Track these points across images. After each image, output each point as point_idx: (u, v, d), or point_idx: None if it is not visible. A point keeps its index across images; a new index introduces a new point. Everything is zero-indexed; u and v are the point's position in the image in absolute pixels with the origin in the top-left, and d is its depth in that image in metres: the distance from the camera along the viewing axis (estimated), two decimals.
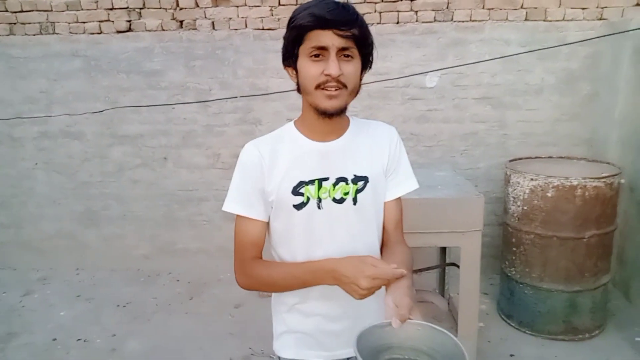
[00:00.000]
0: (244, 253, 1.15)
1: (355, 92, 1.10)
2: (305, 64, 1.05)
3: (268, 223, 1.17)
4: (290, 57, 1.08)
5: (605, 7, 3.20)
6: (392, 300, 0.96)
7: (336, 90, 1.03)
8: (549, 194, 2.55)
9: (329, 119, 1.08)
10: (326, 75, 1.02)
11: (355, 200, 1.15)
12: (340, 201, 1.14)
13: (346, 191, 1.14)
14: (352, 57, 1.04)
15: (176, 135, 3.67)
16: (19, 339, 2.91)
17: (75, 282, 3.68)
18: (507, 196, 2.80)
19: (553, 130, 3.39)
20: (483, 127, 3.43)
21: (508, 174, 2.76)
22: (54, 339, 2.90)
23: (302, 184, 1.12)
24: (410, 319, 0.94)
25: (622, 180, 2.66)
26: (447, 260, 2.90)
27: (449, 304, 2.92)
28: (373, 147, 1.20)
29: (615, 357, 2.55)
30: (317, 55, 1.02)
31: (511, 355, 2.60)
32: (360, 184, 1.15)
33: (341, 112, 1.09)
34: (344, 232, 1.14)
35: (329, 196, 1.13)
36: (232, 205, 1.15)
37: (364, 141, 1.19)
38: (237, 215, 1.15)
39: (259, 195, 1.13)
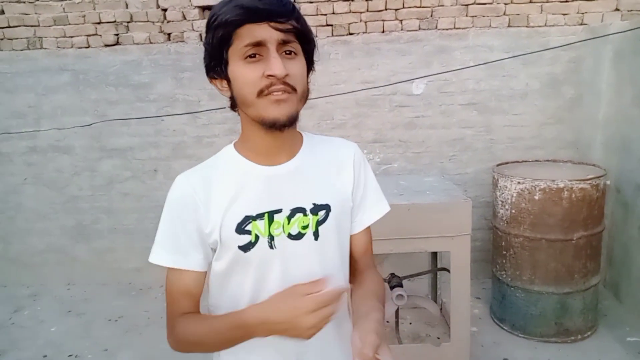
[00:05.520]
0: (173, 308, 0.94)
1: (306, 97, 0.90)
2: (239, 68, 0.84)
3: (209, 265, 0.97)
4: (217, 65, 0.86)
5: (586, 12, 3.25)
6: (358, 337, 0.81)
7: (284, 93, 0.83)
8: (536, 197, 2.57)
9: (279, 132, 0.87)
10: (269, 76, 0.81)
11: (316, 235, 0.94)
12: (298, 237, 0.93)
13: (305, 224, 0.93)
14: (295, 53, 0.85)
15: (166, 147, 3.67)
16: (8, 357, 2.87)
17: (66, 297, 3.65)
18: (495, 200, 2.82)
19: (539, 134, 3.43)
20: (470, 133, 3.46)
21: (496, 178, 2.79)
22: (45, 356, 2.87)
23: (248, 219, 0.90)
24: (377, 358, 0.79)
25: (608, 182, 2.69)
26: (439, 266, 2.92)
27: (441, 309, 2.93)
28: (334, 169, 1.00)
29: (607, 357, 2.55)
30: (253, 56, 0.82)
31: (504, 359, 2.61)
32: (322, 214, 0.94)
33: (293, 121, 0.88)
34: (304, 275, 0.89)
35: (284, 232, 0.92)
36: (160, 256, 0.93)
37: (322, 162, 0.99)
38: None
39: (194, 239, 0.92)
